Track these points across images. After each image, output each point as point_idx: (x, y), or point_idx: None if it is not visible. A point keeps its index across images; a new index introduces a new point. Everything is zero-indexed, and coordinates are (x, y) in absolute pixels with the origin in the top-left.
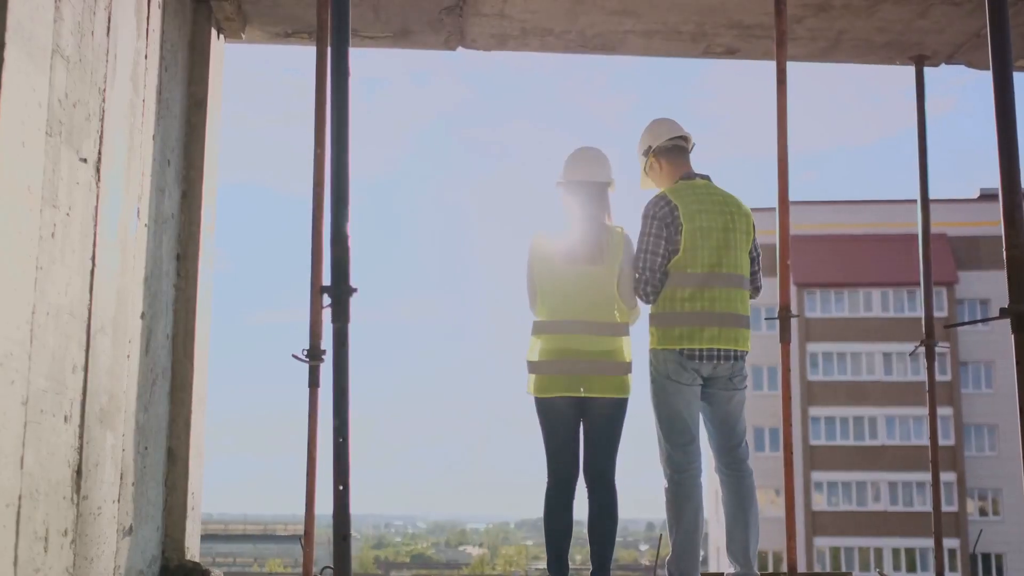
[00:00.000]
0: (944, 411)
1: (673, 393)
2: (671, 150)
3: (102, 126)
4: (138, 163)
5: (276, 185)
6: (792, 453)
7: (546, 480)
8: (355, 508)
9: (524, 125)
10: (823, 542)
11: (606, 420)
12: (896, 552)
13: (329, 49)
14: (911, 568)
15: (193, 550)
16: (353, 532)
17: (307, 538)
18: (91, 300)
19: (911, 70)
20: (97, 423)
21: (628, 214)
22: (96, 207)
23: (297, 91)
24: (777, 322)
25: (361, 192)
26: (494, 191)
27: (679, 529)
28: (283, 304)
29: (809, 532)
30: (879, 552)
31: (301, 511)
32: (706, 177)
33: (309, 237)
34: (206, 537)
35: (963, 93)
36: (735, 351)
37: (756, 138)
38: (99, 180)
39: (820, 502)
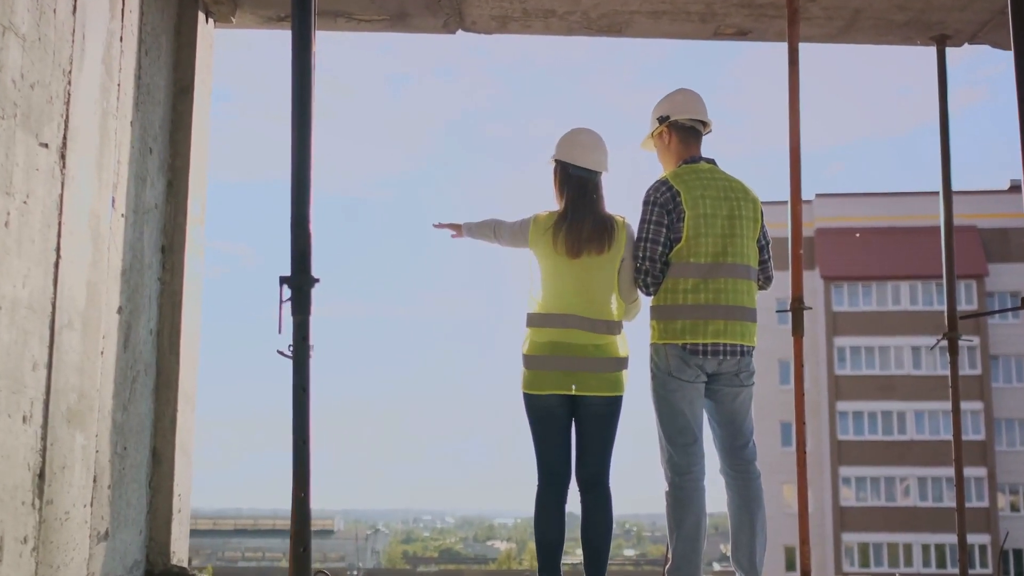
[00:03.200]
0: (975, 405)
1: (675, 390)
2: (687, 130)
3: (67, 110)
4: (113, 150)
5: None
6: (805, 452)
7: (536, 482)
8: (384, 503)
9: (548, 122)
10: (851, 538)
11: (599, 419)
12: (925, 548)
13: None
14: (941, 564)
15: (180, 553)
16: (381, 527)
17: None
18: (55, 293)
19: (933, 58)
20: (64, 423)
21: (623, 204)
22: (61, 195)
23: (327, 88)
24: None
25: (386, 188)
26: (519, 187)
27: (679, 536)
28: (315, 299)
29: (837, 528)
30: (908, 548)
31: (329, 507)
32: (711, 161)
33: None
34: (236, 532)
35: (993, 83)
36: (742, 346)
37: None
38: (64, 166)
39: (848, 497)
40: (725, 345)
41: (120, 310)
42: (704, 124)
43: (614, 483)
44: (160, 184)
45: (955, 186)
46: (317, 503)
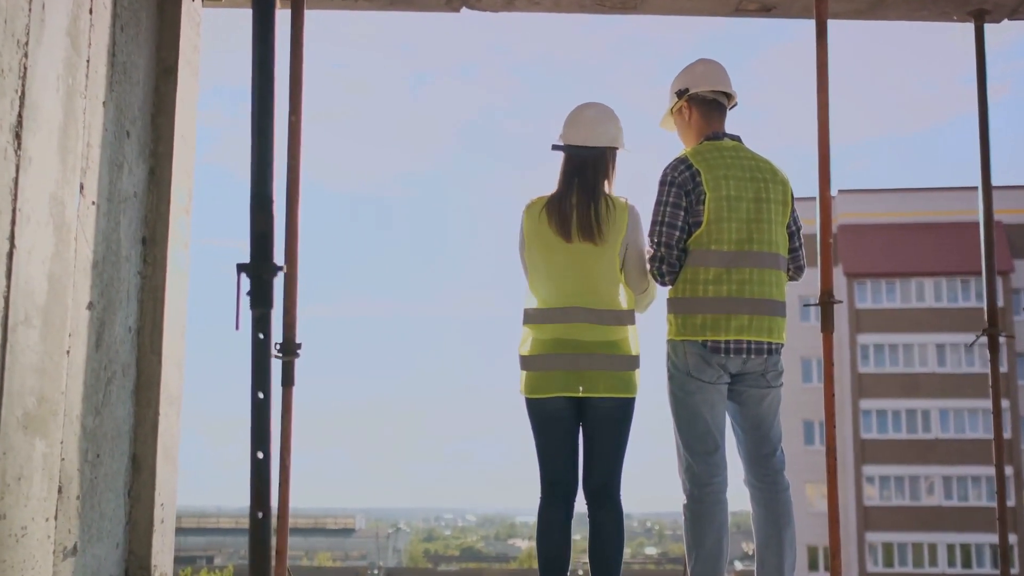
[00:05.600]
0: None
1: (694, 392)
2: (709, 103)
3: (23, 85)
4: (81, 131)
5: (324, 181)
6: (835, 459)
7: (539, 494)
8: (405, 501)
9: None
10: (875, 537)
11: (609, 424)
12: (951, 548)
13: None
14: (966, 564)
15: (164, 567)
16: (403, 525)
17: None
18: (9, 286)
19: (961, 56)
20: (19, 430)
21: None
22: (15, 178)
23: (343, 89)
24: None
25: (406, 187)
26: (536, 186)
27: (699, 556)
28: (338, 298)
29: (861, 527)
30: (933, 548)
31: (351, 504)
32: (736, 138)
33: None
34: None
35: (1016, 78)
36: (769, 343)
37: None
38: (19, 147)
39: (872, 496)
40: (750, 342)
41: (91, 306)
42: (728, 97)
43: (634, 480)
44: (140, 171)
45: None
46: (338, 501)
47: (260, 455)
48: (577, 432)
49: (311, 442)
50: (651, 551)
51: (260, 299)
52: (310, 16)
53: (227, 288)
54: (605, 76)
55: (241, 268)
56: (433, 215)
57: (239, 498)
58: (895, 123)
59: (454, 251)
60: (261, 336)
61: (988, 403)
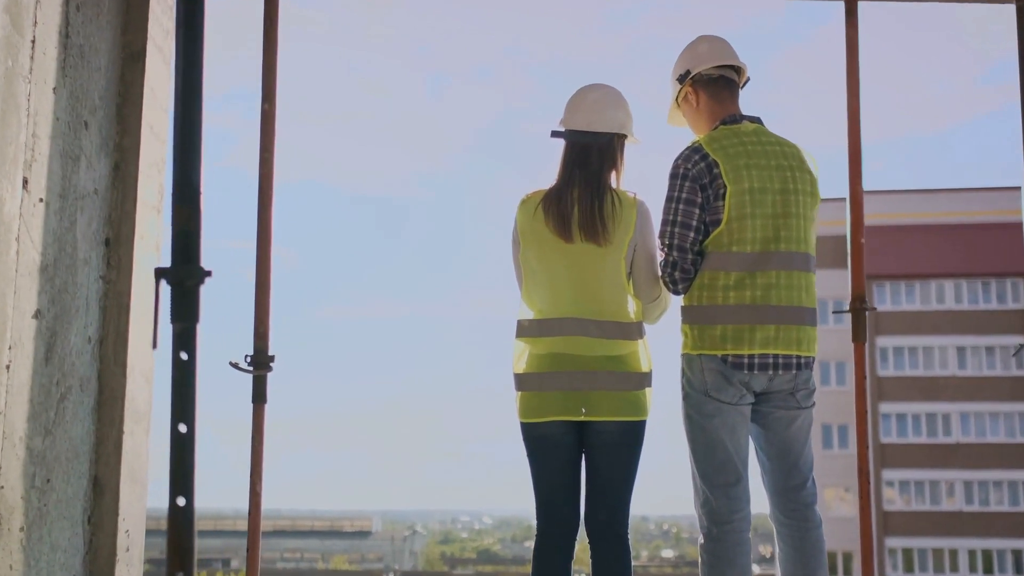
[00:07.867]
0: (1021, 407)
1: (713, 415)
2: (716, 82)
3: None
4: (23, 119)
5: (334, 182)
6: (869, 482)
7: (535, 529)
8: (422, 503)
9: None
10: (895, 542)
11: (615, 451)
12: (972, 553)
13: None
14: (988, 570)
15: None
16: (419, 528)
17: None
18: None
19: (981, 56)
20: None
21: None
22: None
23: (359, 89)
24: (846, 316)
25: (425, 188)
26: (546, 182)
27: None
28: (354, 299)
29: (881, 532)
30: (954, 553)
31: (368, 507)
32: (756, 120)
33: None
34: (274, 534)
35: None
36: (798, 357)
37: (832, 126)
38: None
39: (893, 500)
40: (777, 356)
41: (38, 314)
42: (739, 73)
43: (650, 482)
44: (101, 166)
45: (1003, 182)
46: (355, 504)
47: (182, 502)
48: (579, 460)
49: (327, 444)
50: (668, 554)
51: (182, 311)
52: (323, 18)
53: (231, 289)
54: (621, 78)
55: (160, 273)
56: (451, 216)
57: None
58: (913, 124)
59: (471, 252)
60: (184, 356)
61: (1009, 407)
